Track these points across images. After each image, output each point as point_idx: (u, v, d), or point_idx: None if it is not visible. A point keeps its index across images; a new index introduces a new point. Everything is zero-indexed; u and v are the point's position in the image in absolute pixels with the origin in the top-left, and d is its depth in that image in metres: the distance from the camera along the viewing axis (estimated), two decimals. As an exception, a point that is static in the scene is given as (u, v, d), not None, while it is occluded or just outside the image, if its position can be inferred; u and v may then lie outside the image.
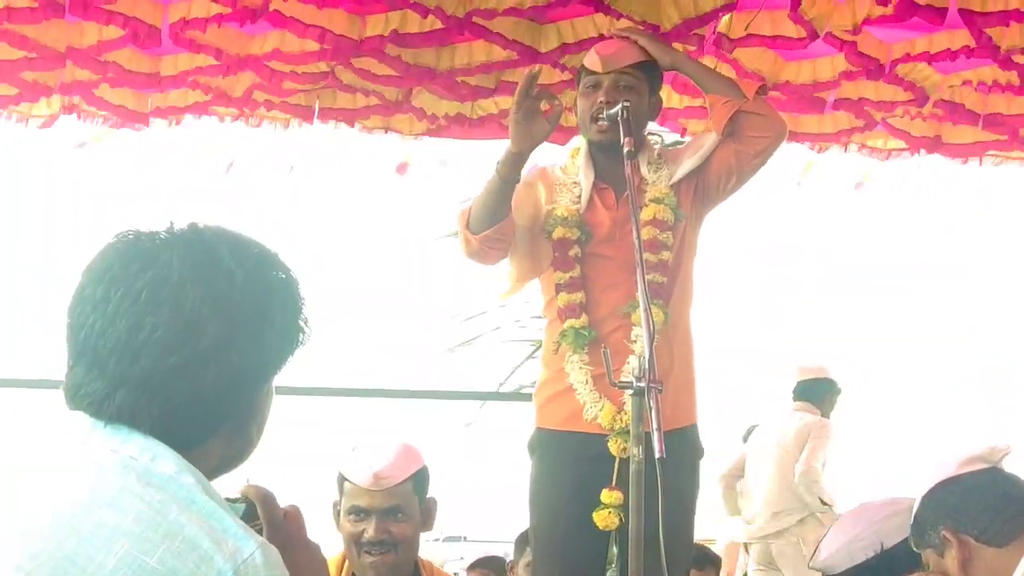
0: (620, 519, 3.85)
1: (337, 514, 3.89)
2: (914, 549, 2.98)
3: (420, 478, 3.85)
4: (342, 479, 3.86)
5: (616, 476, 3.91)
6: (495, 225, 4.01)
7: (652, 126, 4.46)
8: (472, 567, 6.10)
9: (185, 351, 1.76)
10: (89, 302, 1.79)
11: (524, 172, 4.08)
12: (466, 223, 4.06)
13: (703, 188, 4.19)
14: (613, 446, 3.95)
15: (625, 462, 3.74)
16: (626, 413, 3.85)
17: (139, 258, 1.80)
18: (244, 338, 1.80)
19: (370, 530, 3.75)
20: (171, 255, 1.80)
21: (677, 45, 4.79)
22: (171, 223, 1.86)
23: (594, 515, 3.93)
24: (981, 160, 6.65)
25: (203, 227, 1.86)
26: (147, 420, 1.76)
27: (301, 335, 1.90)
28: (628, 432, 3.73)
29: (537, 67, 3.97)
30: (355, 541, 3.78)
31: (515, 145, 3.91)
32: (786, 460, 7.89)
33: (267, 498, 1.96)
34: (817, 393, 8.19)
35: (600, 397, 4.00)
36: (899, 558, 3.26)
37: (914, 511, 2.92)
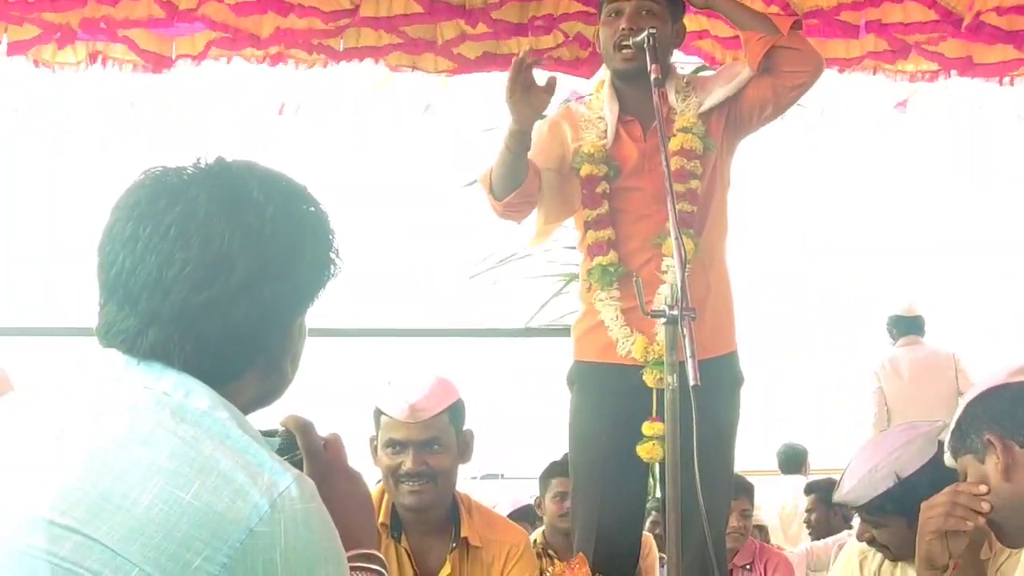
0: (664, 450, 3.84)
1: (374, 449, 3.90)
2: (949, 457, 2.96)
3: (456, 410, 3.86)
4: (379, 413, 3.86)
5: (656, 406, 3.89)
6: (516, 189, 4.02)
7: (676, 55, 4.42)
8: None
9: (216, 286, 1.75)
10: (118, 240, 1.78)
11: (549, 112, 4.09)
12: (489, 188, 4.06)
13: (735, 118, 4.16)
14: (649, 378, 3.93)
15: (663, 392, 3.73)
16: (659, 344, 3.84)
17: (167, 193, 1.79)
18: (275, 272, 1.79)
19: (408, 462, 3.76)
20: (199, 190, 1.79)
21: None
22: (198, 158, 1.84)
23: (638, 448, 3.93)
24: (1012, 80, 6.56)
25: (231, 162, 1.85)
26: (180, 356, 1.76)
27: (332, 268, 1.88)
28: (663, 363, 3.73)
29: (523, 54, 3.89)
30: (392, 473, 3.80)
31: (516, 123, 3.88)
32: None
33: (306, 427, 1.96)
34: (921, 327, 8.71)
35: (632, 331, 4.00)
36: (919, 485, 3.26)
37: (956, 416, 2.90)
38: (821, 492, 7.48)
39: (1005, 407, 2.83)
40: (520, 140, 3.92)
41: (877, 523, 3.62)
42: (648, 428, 3.90)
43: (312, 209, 1.87)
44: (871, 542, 3.70)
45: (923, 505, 2.91)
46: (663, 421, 3.66)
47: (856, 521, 3.87)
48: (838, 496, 3.71)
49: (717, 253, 4.13)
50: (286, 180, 1.87)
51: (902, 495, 3.36)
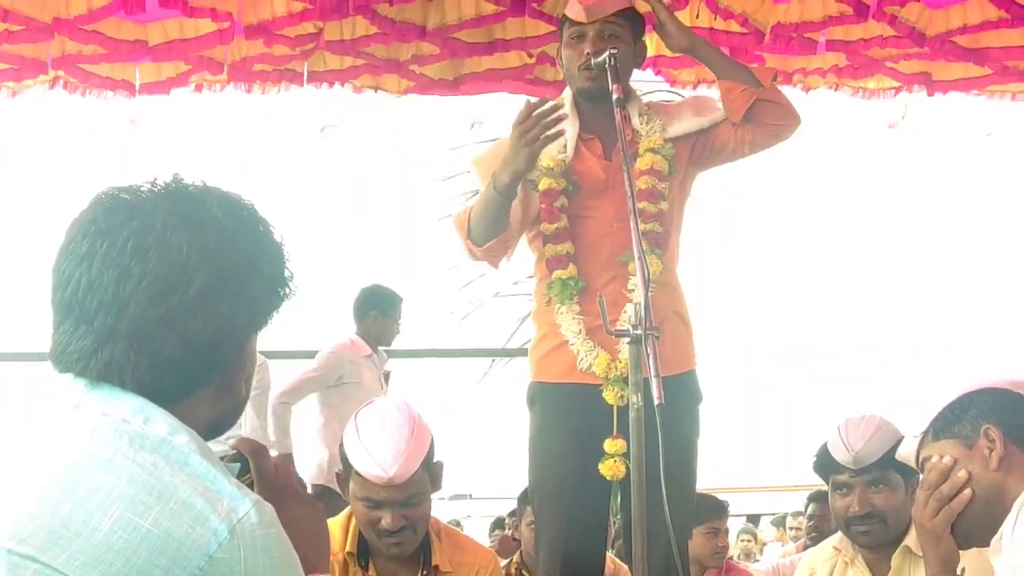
0: (626, 467, 3.84)
1: (342, 483, 3.83)
2: (910, 443, 3.02)
3: (429, 456, 3.76)
4: (350, 466, 3.72)
5: (616, 424, 3.90)
6: (500, 235, 4.00)
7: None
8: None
9: (173, 299, 1.74)
10: (74, 257, 1.77)
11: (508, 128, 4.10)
12: (467, 233, 4.03)
13: (702, 152, 4.16)
14: (609, 395, 3.93)
15: (623, 410, 3.72)
16: (620, 362, 3.84)
17: (124, 209, 1.78)
18: (232, 287, 1.78)
19: (387, 519, 3.68)
20: (156, 204, 1.79)
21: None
22: (155, 178, 1.84)
23: (600, 466, 3.92)
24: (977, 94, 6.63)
25: (188, 181, 1.85)
26: (134, 374, 1.75)
27: (288, 289, 1.89)
28: (624, 380, 3.74)
29: (537, 99, 3.89)
30: (372, 525, 3.73)
31: (516, 166, 3.82)
32: None
33: (258, 452, 1.95)
34: None
35: (594, 347, 3.98)
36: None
37: (950, 401, 2.93)
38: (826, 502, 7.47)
39: (1008, 410, 2.86)
40: (513, 183, 3.87)
41: (884, 482, 3.82)
42: (610, 445, 3.90)
43: (268, 229, 1.88)
44: (868, 516, 3.83)
45: (915, 514, 2.94)
46: (625, 439, 3.67)
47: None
48: (850, 454, 3.84)
49: (674, 272, 4.14)
50: (242, 200, 1.88)
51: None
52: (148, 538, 1.61)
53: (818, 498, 7.65)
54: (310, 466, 7.00)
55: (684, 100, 4.46)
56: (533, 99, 4.08)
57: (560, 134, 3.87)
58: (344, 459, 3.75)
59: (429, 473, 3.73)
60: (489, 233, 3.99)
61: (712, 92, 6.83)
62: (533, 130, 3.76)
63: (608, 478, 3.91)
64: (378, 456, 3.63)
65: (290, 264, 1.90)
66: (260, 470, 1.93)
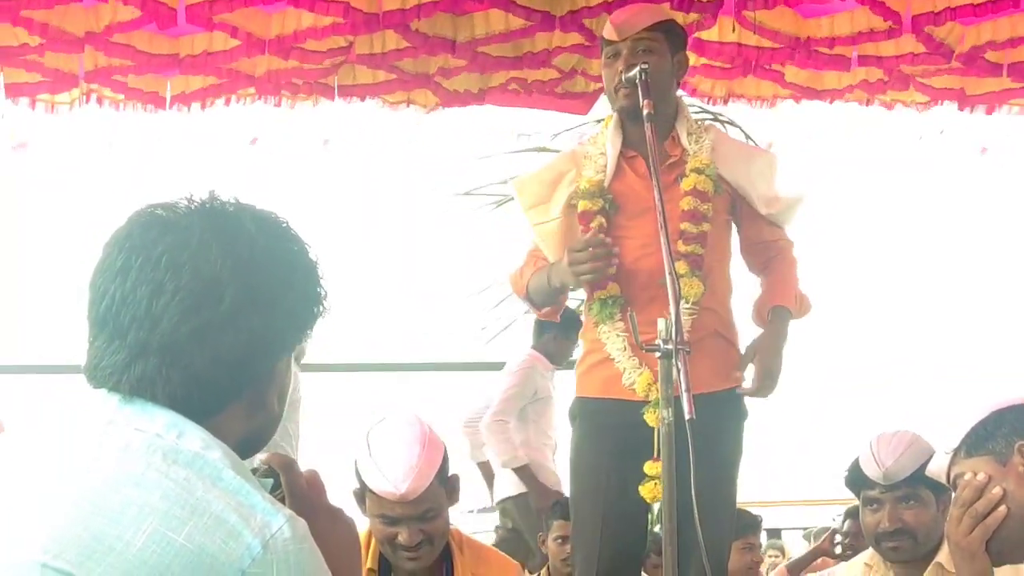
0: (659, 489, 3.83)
1: (359, 498, 3.81)
2: (942, 459, 3.00)
3: (443, 469, 3.75)
4: (364, 485, 3.72)
5: (657, 447, 3.87)
6: (556, 304, 4.23)
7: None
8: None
9: (204, 314, 1.75)
10: (109, 272, 1.78)
11: (554, 160, 4.32)
12: (525, 296, 4.20)
13: (737, 204, 4.17)
14: (650, 416, 3.91)
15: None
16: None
17: (159, 225, 1.79)
18: (264, 302, 1.79)
19: (404, 535, 3.66)
20: (191, 220, 1.79)
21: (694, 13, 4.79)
22: (191, 195, 1.85)
23: (640, 488, 3.91)
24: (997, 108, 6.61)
25: (224, 198, 1.86)
26: (166, 388, 1.75)
27: (321, 307, 1.89)
28: (660, 402, 3.74)
29: (592, 236, 3.94)
30: (389, 541, 3.71)
31: (568, 283, 4.02)
32: None
33: (289, 466, 1.94)
34: None
35: (640, 364, 3.96)
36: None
37: (983, 418, 2.92)
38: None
39: None
40: (565, 288, 4.09)
41: (915, 498, 3.81)
42: (650, 468, 3.88)
43: (303, 247, 1.88)
44: (899, 532, 3.81)
45: (948, 531, 2.92)
46: None
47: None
48: (880, 470, 3.83)
49: (720, 287, 4.11)
50: (277, 217, 1.88)
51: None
52: (182, 553, 1.61)
53: (853, 513, 7.59)
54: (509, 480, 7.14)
55: (749, 148, 4.46)
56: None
57: (611, 269, 3.92)
58: (358, 476, 3.74)
59: (445, 487, 3.72)
60: (549, 304, 4.21)
61: (740, 107, 6.86)
62: (584, 265, 3.86)
63: (648, 500, 3.91)
64: (390, 473, 3.62)
65: (324, 282, 1.90)
66: (292, 485, 1.92)
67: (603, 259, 3.86)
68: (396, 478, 3.61)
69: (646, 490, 3.90)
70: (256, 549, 1.63)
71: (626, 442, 3.95)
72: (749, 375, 4.02)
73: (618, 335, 4.01)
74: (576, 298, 4.39)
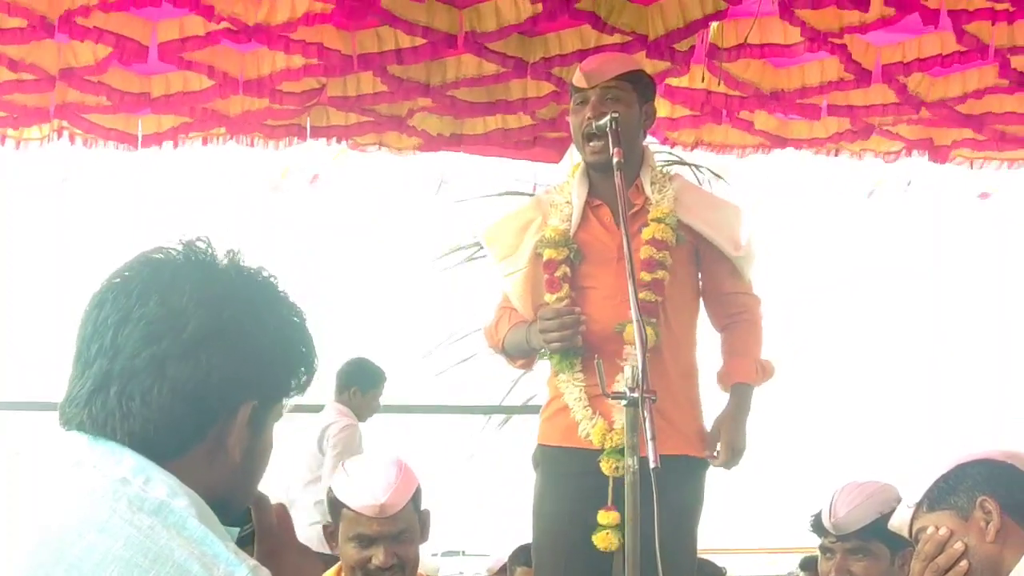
0: (620, 539, 3.84)
1: (329, 535, 3.84)
2: (903, 512, 3.01)
3: (417, 496, 3.82)
4: (339, 505, 3.78)
5: (612, 496, 3.89)
6: (531, 356, 4.25)
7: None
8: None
9: (164, 343, 1.73)
10: (90, 307, 1.78)
11: (521, 206, 4.38)
12: (500, 350, 4.26)
13: (701, 254, 4.19)
14: (605, 466, 3.92)
15: (619, 480, 3.74)
16: (617, 432, 3.86)
17: (144, 262, 1.80)
18: (230, 339, 1.76)
19: (379, 556, 3.70)
20: (173, 258, 1.80)
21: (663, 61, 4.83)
22: (187, 238, 1.84)
23: (593, 537, 3.92)
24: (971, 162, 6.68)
25: (217, 245, 1.84)
26: (125, 423, 1.73)
27: (303, 368, 1.87)
28: (620, 451, 3.78)
29: (582, 315, 3.98)
30: (361, 567, 3.74)
31: (539, 346, 4.08)
32: None
33: (261, 500, 1.92)
34: None
35: (594, 414, 3.98)
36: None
37: (945, 472, 2.93)
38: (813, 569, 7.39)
39: (1004, 482, 2.87)
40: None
41: (864, 551, 3.76)
42: (603, 517, 3.90)
43: (288, 303, 1.86)
44: None
45: None
46: (619, 511, 3.68)
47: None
48: (831, 520, 3.80)
49: (683, 350, 4.12)
50: (263, 269, 1.86)
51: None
52: None
53: (808, 565, 7.58)
54: None
55: (711, 197, 4.50)
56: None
57: (578, 340, 3.98)
58: (333, 504, 3.79)
59: (418, 515, 3.76)
60: (524, 356, 4.26)
61: (708, 156, 6.91)
62: (554, 334, 3.97)
63: (601, 549, 3.91)
64: (369, 487, 3.70)
65: (312, 350, 1.87)
66: (262, 521, 1.90)
67: (571, 327, 3.95)
68: (376, 492, 3.68)
69: (599, 539, 3.91)
70: None
71: (587, 490, 3.95)
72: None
73: (576, 384, 4.03)
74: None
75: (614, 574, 4.03)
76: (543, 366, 4.25)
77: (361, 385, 7.49)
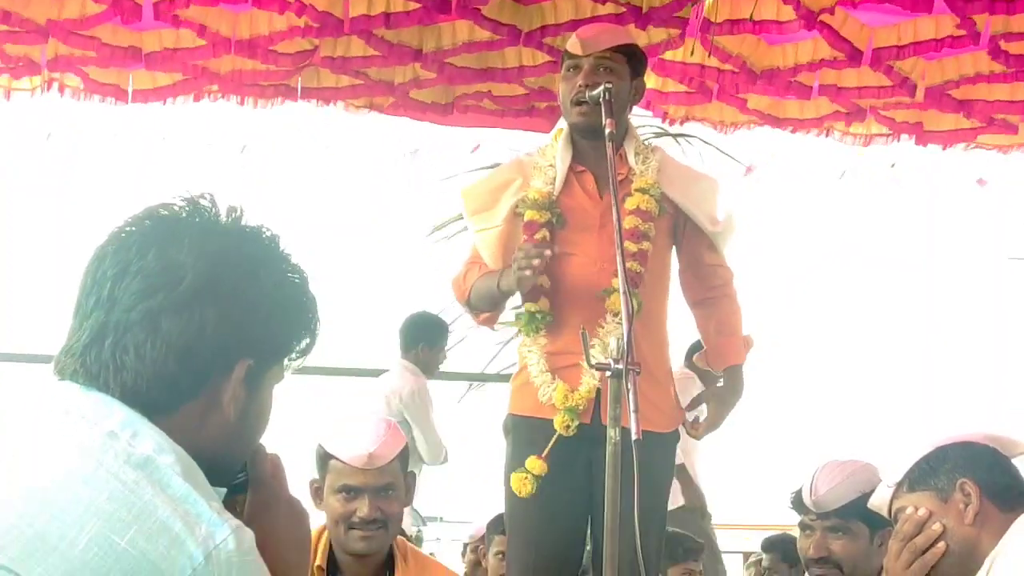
0: (533, 489, 3.90)
1: (316, 491, 3.86)
2: (883, 492, 3.03)
3: (404, 454, 3.86)
4: (327, 457, 3.82)
5: (550, 448, 3.91)
6: (496, 310, 4.18)
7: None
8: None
9: (159, 296, 1.72)
10: (93, 260, 1.77)
11: (503, 166, 4.30)
12: (466, 302, 4.16)
13: (677, 226, 4.19)
14: (557, 421, 3.93)
15: (564, 438, 3.86)
16: (579, 393, 3.89)
17: (147, 216, 1.79)
18: (225, 295, 1.75)
19: (364, 508, 3.73)
20: (176, 213, 1.79)
21: (660, 30, 4.80)
22: (193, 194, 1.82)
23: (512, 475, 3.95)
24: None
25: (221, 203, 1.83)
26: (119, 375, 1.72)
27: (304, 332, 1.85)
28: (575, 410, 3.88)
29: (549, 252, 3.87)
30: (344, 519, 3.76)
31: (513, 288, 3.96)
32: None
33: (257, 451, 1.90)
34: None
35: (553, 378, 3.99)
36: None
37: (926, 453, 2.95)
38: (782, 549, 7.40)
39: (985, 465, 2.90)
40: (511, 291, 4.01)
41: (844, 530, 3.78)
42: (532, 463, 3.92)
43: (289, 261, 1.84)
44: (824, 560, 3.80)
45: (887, 565, 2.95)
46: (549, 465, 3.85)
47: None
48: (811, 498, 3.83)
49: (655, 322, 4.13)
50: (263, 226, 1.85)
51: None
52: (123, 558, 1.59)
53: (776, 546, 7.59)
54: None
55: (694, 172, 4.46)
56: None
57: (542, 265, 3.86)
58: (321, 457, 3.84)
59: (404, 475, 3.80)
60: (489, 309, 4.16)
61: (697, 127, 6.91)
62: (523, 260, 3.82)
63: (514, 489, 3.93)
64: (358, 437, 3.78)
65: (315, 310, 1.86)
66: (256, 471, 1.89)
67: (540, 257, 3.82)
68: (365, 442, 3.76)
69: (515, 479, 3.95)
70: (198, 559, 1.61)
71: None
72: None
73: (535, 350, 4.03)
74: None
75: (590, 542, 4.06)
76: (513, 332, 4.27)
77: (428, 340, 7.43)
